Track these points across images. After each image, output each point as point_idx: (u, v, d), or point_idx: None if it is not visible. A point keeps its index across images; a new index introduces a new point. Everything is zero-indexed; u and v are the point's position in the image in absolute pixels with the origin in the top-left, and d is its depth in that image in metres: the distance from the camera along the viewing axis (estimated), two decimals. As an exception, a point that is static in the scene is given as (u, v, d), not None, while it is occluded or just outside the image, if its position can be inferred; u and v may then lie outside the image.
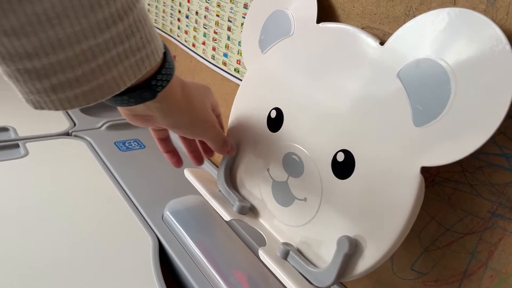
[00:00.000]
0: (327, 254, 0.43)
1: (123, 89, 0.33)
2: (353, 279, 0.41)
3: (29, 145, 0.71)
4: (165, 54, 0.38)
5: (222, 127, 0.52)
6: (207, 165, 0.74)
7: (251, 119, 0.53)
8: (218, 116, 0.51)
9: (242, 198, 0.53)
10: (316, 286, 0.43)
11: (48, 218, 0.57)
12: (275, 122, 0.49)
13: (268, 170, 0.50)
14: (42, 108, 0.32)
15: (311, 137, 0.45)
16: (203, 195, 0.54)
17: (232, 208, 0.52)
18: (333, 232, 0.42)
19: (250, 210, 0.53)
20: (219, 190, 0.55)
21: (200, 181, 0.55)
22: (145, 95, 0.37)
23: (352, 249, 0.40)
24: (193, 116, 0.44)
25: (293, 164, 0.47)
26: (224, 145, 0.50)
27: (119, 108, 0.41)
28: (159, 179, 0.70)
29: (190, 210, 0.62)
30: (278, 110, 0.49)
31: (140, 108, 0.40)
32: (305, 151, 0.46)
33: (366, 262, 0.40)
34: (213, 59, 0.72)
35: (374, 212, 0.39)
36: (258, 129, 0.52)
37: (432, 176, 0.41)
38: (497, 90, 0.31)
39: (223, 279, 0.51)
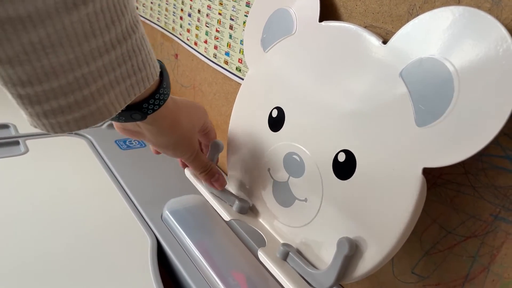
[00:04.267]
0: (327, 256, 0.43)
1: (114, 115, 0.33)
2: (353, 281, 0.40)
3: (29, 142, 0.71)
4: (162, 78, 0.38)
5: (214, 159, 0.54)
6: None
7: (252, 118, 0.52)
8: (209, 137, 0.53)
9: (241, 198, 0.53)
10: (315, 288, 0.42)
11: (47, 216, 0.56)
12: (276, 121, 0.49)
13: (268, 170, 0.50)
14: (35, 127, 0.32)
15: (313, 137, 0.45)
16: (203, 194, 0.54)
17: (232, 208, 0.51)
18: (334, 233, 0.42)
19: (250, 210, 0.52)
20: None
21: (200, 180, 0.55)
22: (136, 116, 0.38)
23: (352, 251, 0.39)
24: (179, 138, 0.45)
25: (294, 164, 0.47)
26: (206, 171, 0.51)
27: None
28: (159, 178, 0.70)
29: (190, 210, 0.62)
30: (280, 110, 0.49)
31: (130, 124, 0.41)
32: (306, 151, 0.45)
33: (366, 264, 0.39)
34: (215, 57, 0.71)
35: (375, 213, 0.38)
36: (259, 128, 0.51)
37: (434, 178, 0.40)
38: (501, 90, 0.31)
39: (222, 280, 0.50)
